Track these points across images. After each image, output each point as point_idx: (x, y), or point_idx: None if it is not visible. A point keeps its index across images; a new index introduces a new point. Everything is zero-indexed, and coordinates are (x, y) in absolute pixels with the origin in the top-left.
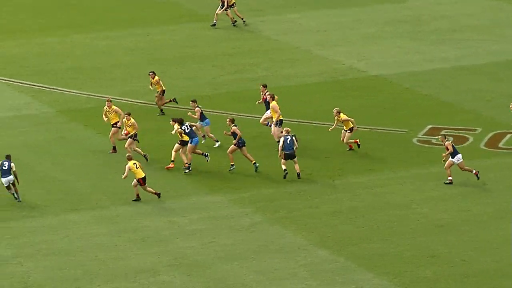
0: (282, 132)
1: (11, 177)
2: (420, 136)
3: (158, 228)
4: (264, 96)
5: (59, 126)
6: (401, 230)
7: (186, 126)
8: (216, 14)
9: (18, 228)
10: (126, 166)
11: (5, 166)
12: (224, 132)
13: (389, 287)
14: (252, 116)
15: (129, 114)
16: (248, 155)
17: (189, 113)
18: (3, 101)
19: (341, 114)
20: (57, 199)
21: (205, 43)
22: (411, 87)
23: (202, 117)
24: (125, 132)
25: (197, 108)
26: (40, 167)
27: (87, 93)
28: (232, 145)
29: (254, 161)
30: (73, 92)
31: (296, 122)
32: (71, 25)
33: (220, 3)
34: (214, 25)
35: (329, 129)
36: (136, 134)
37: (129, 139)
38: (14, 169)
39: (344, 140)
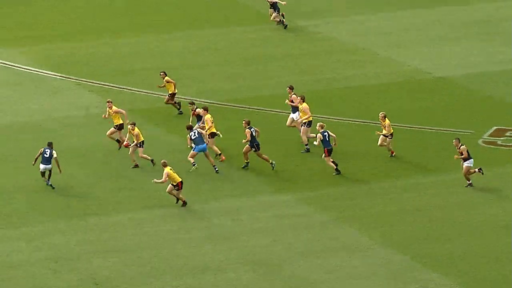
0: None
1: (50, 165)
2: (485, 137)
3: (225, 226)
4: (291, 98)
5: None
6: (466, 231)
7: (194, 132)
8: (277, 16)
9: (87, 224)
10: (164, 173)
11: (46, 154)
12: (245, 142)
13: (453, 287)
14: (318, 117)
15: (134, 124)
16: (247, 155)
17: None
18: (74, 100)
19: (387, 119)
20: (127, 196)
21: (272, 44)
22: (477, 89)
23: (199, 120)
24: (125, 143)
25: (197, 110)
26: (110, 165)
27: (158, 93)
28: (252, 149)
29: (248, 161)
30: (144, 92)
31: (361, 123)
32: (143, 25)
33: (273, 7)
34: (286, 26)
35: (376, 132)
36: (143, 141)
37: (137, 147)
38: (55, 155)
39: (379, 143)
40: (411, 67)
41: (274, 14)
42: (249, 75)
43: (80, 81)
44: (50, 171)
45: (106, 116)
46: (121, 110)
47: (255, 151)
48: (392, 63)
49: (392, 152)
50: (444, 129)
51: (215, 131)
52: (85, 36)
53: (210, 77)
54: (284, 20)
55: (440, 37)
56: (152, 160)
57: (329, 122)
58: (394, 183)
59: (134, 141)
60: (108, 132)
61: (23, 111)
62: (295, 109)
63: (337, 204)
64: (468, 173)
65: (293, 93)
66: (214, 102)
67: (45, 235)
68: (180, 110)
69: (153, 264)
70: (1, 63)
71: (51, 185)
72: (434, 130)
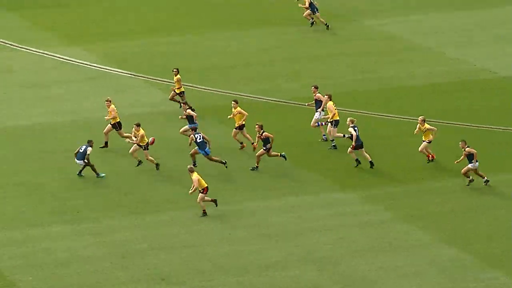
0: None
1: (81, 161)
2: None
3: (288, 223)
4: (316, 97)
5: None
6: None
7: (199, 135)
8: (316, 16)
9: (153, 221)
10: (193, 179)
11: (81, 149)
12: (252, 143)
13: None
14: (381, 115)
15: (138, 125)
16: (273, 153)
17: (180, 116)
18: (140, 97)
19: (425, 123)
20: (189, 193)
21: (336, 43)
22: None
23: (190, 120)
24: (151, 140)
25: (188, 111)
26: (173, 162)
27: (222, 91)
28: (262, 150)
29: (281, 153)
30: (208, 90)
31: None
32: (207, 24)
33: (311, 7)
34: (327, 26)
35: (414, 132)
36: (148, 143)
37: (135, 146)
38: (88, 152)
39: (420, 149)
40: (476, 66)
41: (316, 15)
42: (313, 73)
43: (149, 79)
44: (84, 166)
45: (107, 118)
46: (113, 109)
47: (265, 150)
48: (457, 62)
49: (429, 156)
50: (509, 128)
51: (244, 123)
52: (153, 34)
53: (275, 76)
54: (313, 20)
55: (505, 37)
56: (157, 165)
57: (393, 121)
58: (458, 182)
59: (135, 140)
60: (105, 130)
61: (90, 108)
62: (318, 107)
63: (400, 202)
64: (466, 173)
65: (317, 92)
66: (278, 100)
67: (112, 231)
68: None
69: (217, 260)
70: (71, 61)
71: (79, 174)
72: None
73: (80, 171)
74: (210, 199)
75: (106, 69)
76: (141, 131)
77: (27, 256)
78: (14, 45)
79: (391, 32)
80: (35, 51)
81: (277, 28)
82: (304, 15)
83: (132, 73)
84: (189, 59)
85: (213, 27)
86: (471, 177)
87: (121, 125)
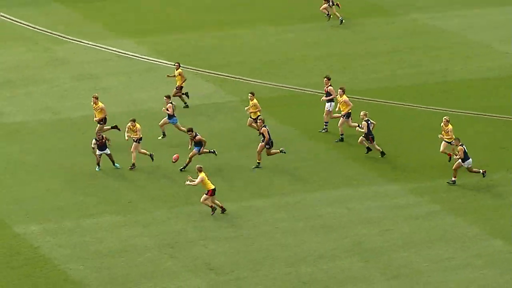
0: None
1: (104, 152)
2: None
3: (338, 215)
4: (326, 89)
5: (243, 114)
6: None
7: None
8: (328, 8)
9: (203, 212)
10: (199, 177)
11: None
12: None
13: None
14: (430, 108)
15: (134, 121)
16: (261, 155)
17: (163, 109)
18: (191, 90)
19: (450, 124)
20: (240, 186)
21: (386, 38)
22: None
23: (171, 115)
24: (175, 157)
25: (169, 105)
26: (224, 155)
27: (271, 83)
28: (261, 144)
29: (260, 161)
30: (258, 82)
31: (473, 115)
32: (258, 19)
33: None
34: (329, 17)
35: (439, 136)
36: (141, 138)
37: (134, 143)
38: (92, 143)
39: (441, 149)
40: None
41: (325, 5)
42: (362, 69)
43: (198, 71)
44: (108, 155)
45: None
46: (104, 108)
47: (268, 148)
48: (507, 56)
49: (450, 156)
50: None
51: (260, 115)
52: (203, 28)
53: (322, 70)
54: (330, 15)
55: None
56: (151, 155)
57: (443, 114)
58: (505, 175)
59: (129, 136)
60: (97, 128)
61: (142, 99)
62: (329, 99)
63: (448, 195)
64: (457, 169)
65: (329, 83)
66: (323, 92)
67: (161, 221)
68: (186, 104)
69: (267, 252)
70: (121, 53)
71: (114, 165)
72: None
73: (113, 162)
74: (220, 204)
75: (156, 61)
76: (137, 126)
77: (78, 245)
78: (67, 38)
79: (439, 27)
80: (88, 44)
81: (324, 23)
82: (320, 8)
83: (182, 66)
84: (239, 53)
85: (263, 21)
86: (455, 179)
87: (106, 120)
